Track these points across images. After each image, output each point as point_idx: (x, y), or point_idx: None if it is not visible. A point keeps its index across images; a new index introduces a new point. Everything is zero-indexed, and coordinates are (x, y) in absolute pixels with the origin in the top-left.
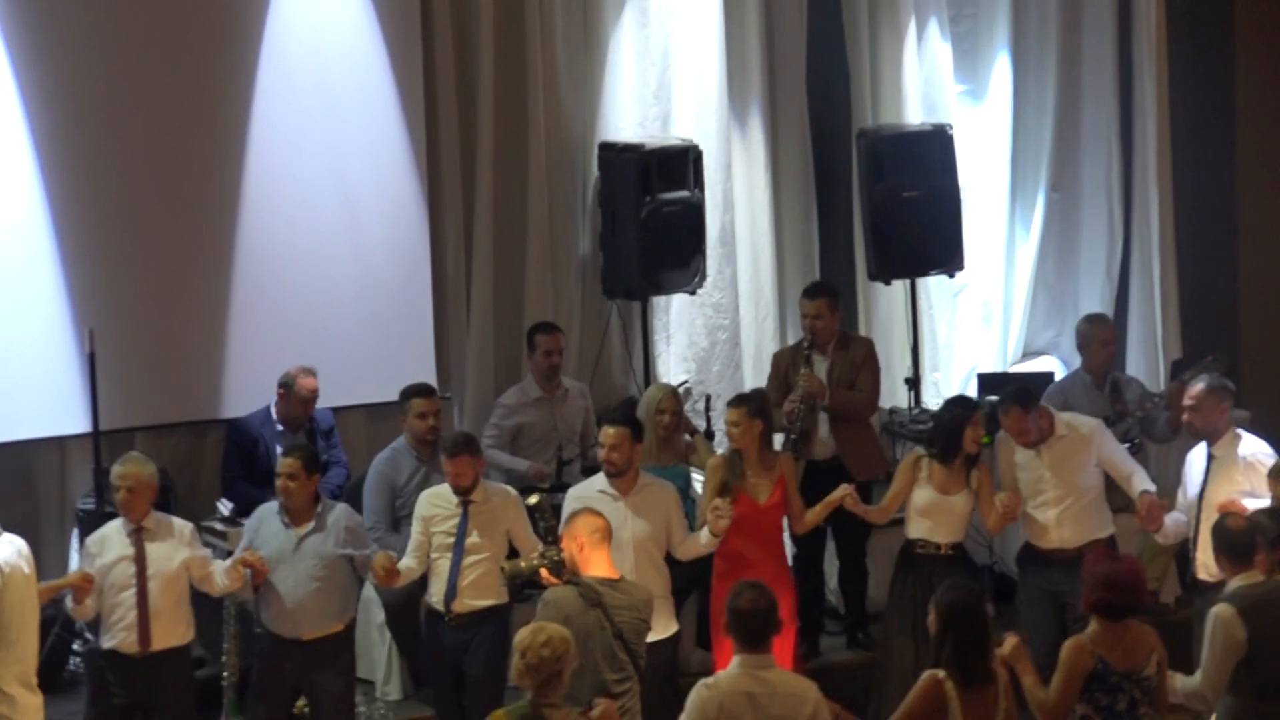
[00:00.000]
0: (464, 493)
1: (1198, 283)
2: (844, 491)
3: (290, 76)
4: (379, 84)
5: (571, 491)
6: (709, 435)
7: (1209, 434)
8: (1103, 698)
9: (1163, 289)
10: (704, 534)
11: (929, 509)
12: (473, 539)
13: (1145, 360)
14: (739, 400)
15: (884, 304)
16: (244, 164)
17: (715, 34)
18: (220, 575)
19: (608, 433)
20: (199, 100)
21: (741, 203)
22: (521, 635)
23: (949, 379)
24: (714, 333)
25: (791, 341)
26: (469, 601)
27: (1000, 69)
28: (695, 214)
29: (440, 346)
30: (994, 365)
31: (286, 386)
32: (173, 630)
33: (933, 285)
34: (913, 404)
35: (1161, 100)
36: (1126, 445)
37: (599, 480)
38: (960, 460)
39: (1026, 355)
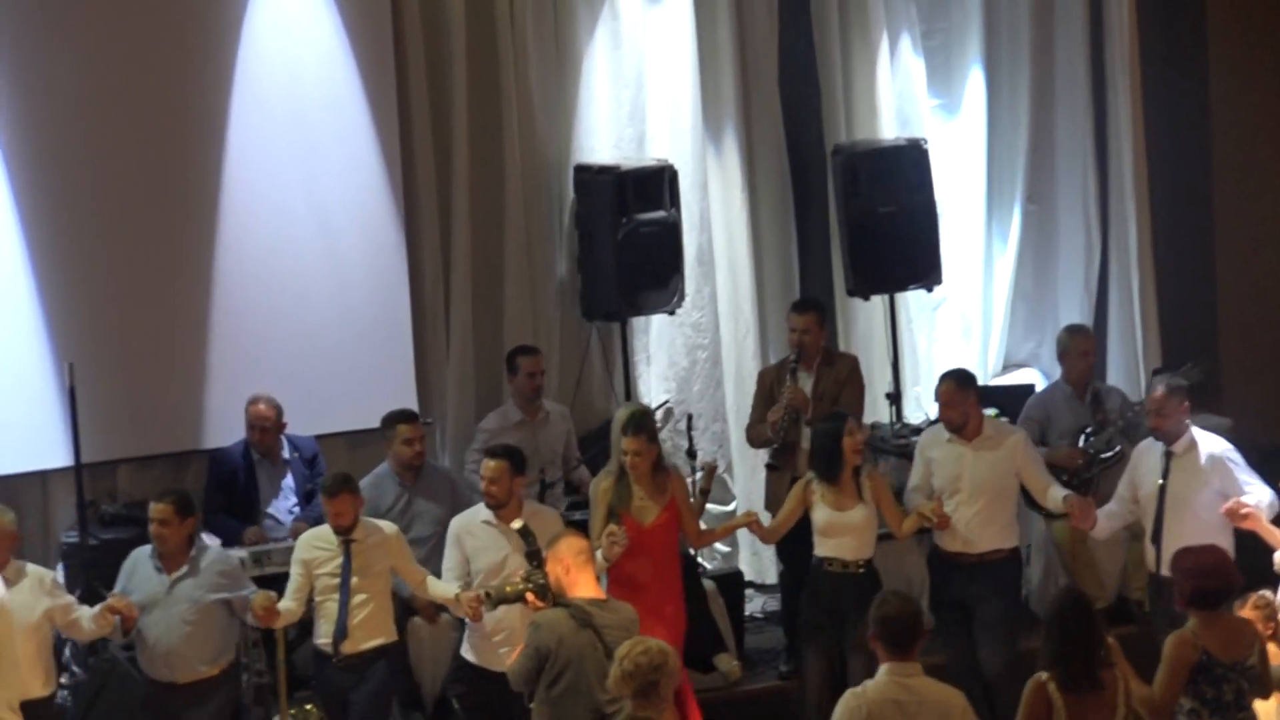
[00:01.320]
0: (345, 532)
1: (1176, 291)
2: (748, 518)
3: (264, 105)
4: (353, 111)
5: (454, 522)
6: (691, 454)
7: (1172, 435)
8: (1209, 689)
9: (1141, 298)
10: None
11: (828, 528)
12: (357, 579)
13: (1125, 369)
14: (636, 428)
15: (863, 319)
16: (220, 194)
17: (688, 54)
18: (87, 621)
19: (487, 465)
20: (174, 132)
21: (718, 221)
22: (624, 645)
23: (930, 393)
24: (694, 352)
25: (772, 359)
26: (359, 643)
27: (974, 82)
28: (672, 234)
29: (420, 371)
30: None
31: (246, 413)
32: (30, 683)
33: (911, 300)
34: (894, 419)
35: (1135, 109)
36: (1109, 454)
37: (482, 511)
38: (848, 475)
39: (1007, 367)
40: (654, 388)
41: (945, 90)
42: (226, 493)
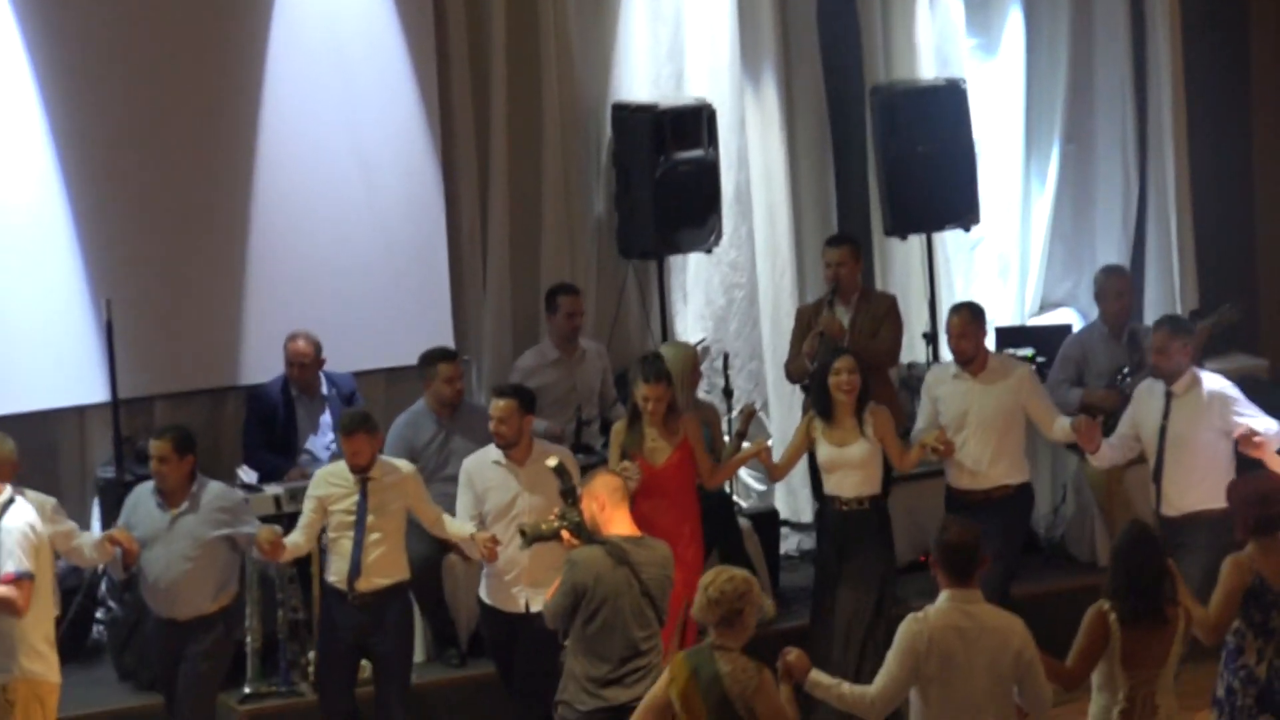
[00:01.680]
0: (361, 471)
1: (1214, 232)
2: (760, 446)
3: (303, 45)
4: (392, 50)
5: (466, 462)
6: (727, 393)
7: (1173, 374)
8: (1257, 614)
9: (1179, 238)
10: None
11: (830, 464)
12: (373, 517)
13: (1163, 310)
14: (655, 375)
15: (900, 260)
16: (258, 132)
17: None
18: (89, 548)
19: (496, 405)
20: (212, 70)
21: (756, 160)
22: (709, 574)
23: None
24: (731, 291)
25: (809, 298)
26: (374, 580)
27: (1012, 22)
28: (710, 173)
29: (457, 309)
30: (1012, 319)
31: (284, 350)
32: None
33: (949, 240)
34: (931, 359)
35: (1175, 49)
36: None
37: (493, 451)
38: (848, 410)
39: (1044, 308)
40: (690, 326)
41: (984, 30)
42: (266, 429)
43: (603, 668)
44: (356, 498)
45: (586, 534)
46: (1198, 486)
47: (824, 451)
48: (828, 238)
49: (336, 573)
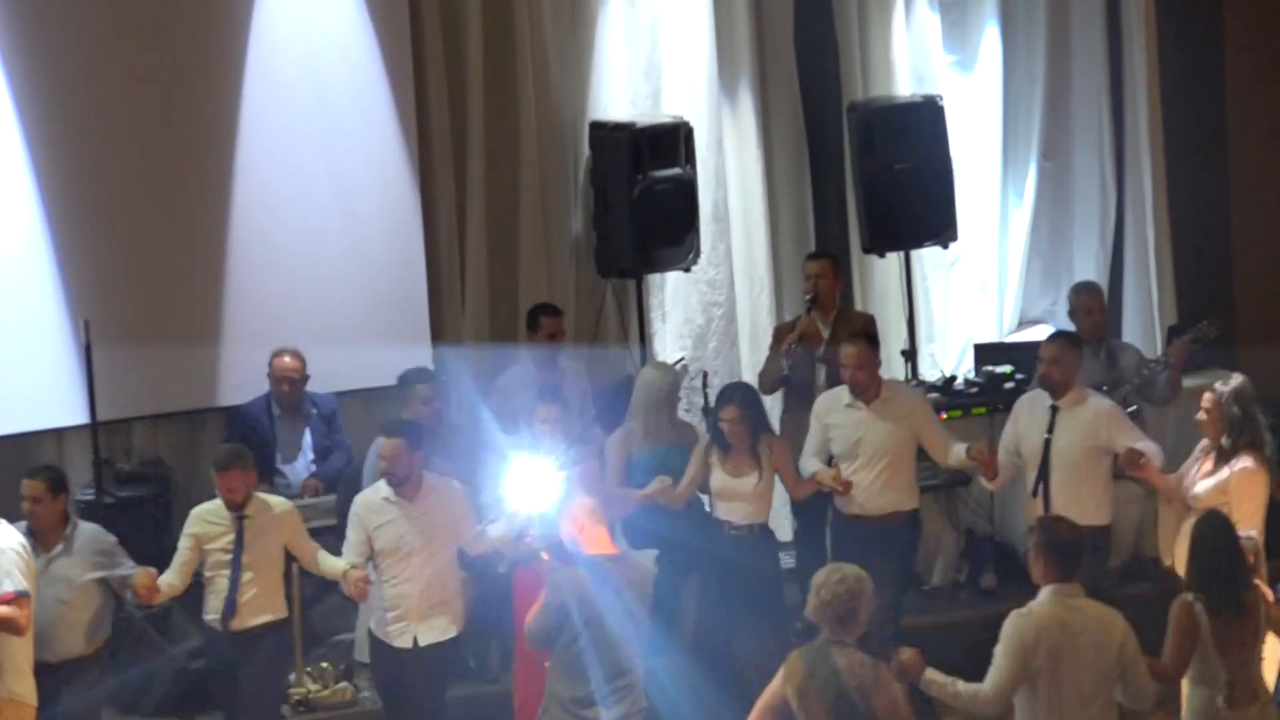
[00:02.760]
0: (237, 508)
1: (1192, 247)
2: (660, 484)
3: (278, 64)
4: (368, 68)
5: (356, 499)
6: (706, 412)
7: (1062, 387)
8: None
9: (1157, 254)
10: (499, 527)
11: (723, 493)
12: (249, 555)
13: (1141, 326)
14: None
15: (879, 277)
16: (235, 151)
17: (703, 10)
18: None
19: (386, 443)
20: (189, 92)
21: (734, 178)
22: (821, 573)
23: (945, 350)
24: (709, 309)
25: (787, 316)
26: (248, 619)
27: (989, 38)
28: (688, 191)
29: (435, 329)
30: (990, 335)
31: (269, 366)
32: None
33: (927, 257)
34: (909, 376)
35: (1151, 65)
36: (1126, 411)
37: (382, 488)
38: (745, 444)
39: (1022, 324)
40: (669, 345)
41: (961, 46)
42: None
43: (585, 687)
44: (232, 536)
45: (565, 554)
46: (1081, 502)
47: (718, 480)
48: (808, 253)
49: (213, 610)
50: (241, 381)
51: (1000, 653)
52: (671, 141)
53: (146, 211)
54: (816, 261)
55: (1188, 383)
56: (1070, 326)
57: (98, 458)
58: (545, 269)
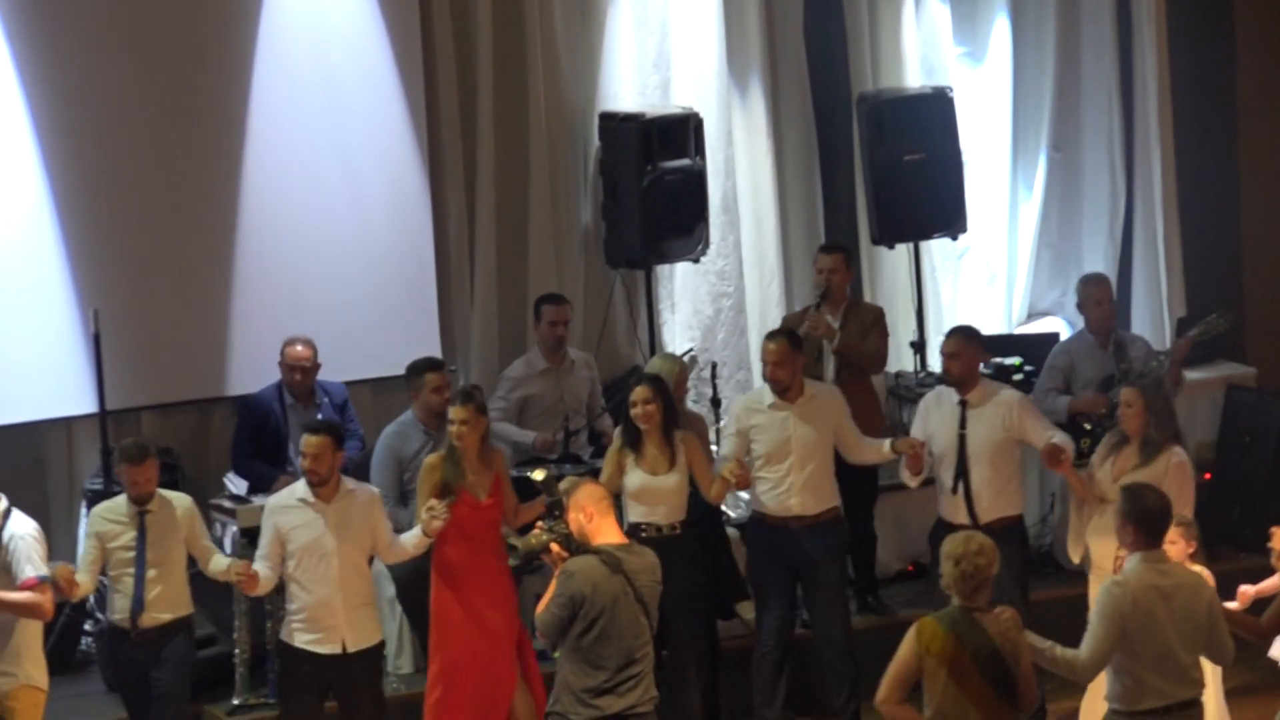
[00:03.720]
0: (141, 502)
1: (1201, 239)
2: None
3: (288, 53)
4: (377, 59)
5: (270, 501)
6: (715, 403)
7: (965, 382)
8: None
9: (1166, 246)
10: (414, 535)
11: (639, 493)
12: (152, 552)
13: (1150, 318)
14: (466, 397)
15: (888, 268)
16: (244, 141)
17: (713, 1)
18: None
19: (309, 442)
20: (199, 82)
21: (743, 169)
22: (953, 544)
23: None
24: (718, 300)
25: (796, 307)
26: (156, 615)
27: (999, 30)
28: (697, 182)
29: (444, 319)
30: (999, 327)
31: (281, 355)
32: None
33: (936, 248)
34: (918, 367)
35: (1161, 56)
36: None
37: (300, 488)
38: (655, 439)
39: (1031, 316)
40: (678, 336)
41: (971, 38)
42: (256, 437)
43: (598, 677)
44: (135, 533)
45: (575, 545)
46: (1000, 494)
47: (635, 479)
48: (821, 245)
49: (120, 610)
50: (250, 371)
51: (1096, 622)
52: (681, 132)
53: (155, 201)
54: (829, 255)
55: (1199, 375)
56: (1079, 318)
57: (106, 447)
58: (554, 259)
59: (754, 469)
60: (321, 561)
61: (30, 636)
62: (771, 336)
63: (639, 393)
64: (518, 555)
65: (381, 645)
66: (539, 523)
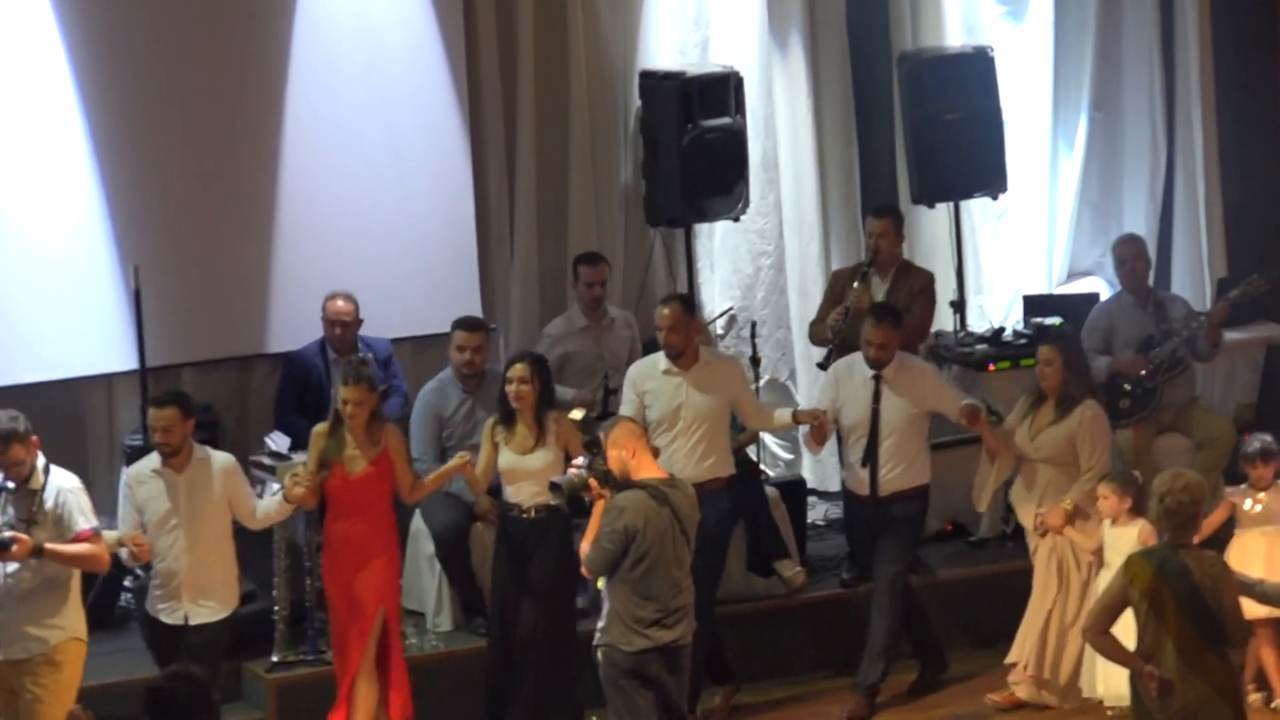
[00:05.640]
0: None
1: (1242, 199)
2: (461, 460)
3: (329, 12)
4: (418, 17)
5: (128, 471)
6: (755, 361)
7: (886, 361)
8: None
9: (1207, 206)
10: (276, 500)
11: (507, 471)
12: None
13: (1191, 278)
14: (358, 377)
15: (927, 227)
16: (286, 100)
17: None
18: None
19: (157, 415)
20: (241, 37)
21: (783, 128)
22: (1160, 481)
23: (993, 302)
24: (758, 259)
25: (835, 266)
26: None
27: None
28: (737, 140)
29: (485, 277)
30: (1039, 287)
31: (322, 310)
32: None
33: (976, 208)
34: (958, 327)
35: (1203, 15)
36: (1175, 367)
37: (154, 459)
38: (528, 419)
39: (1072, 276)
40: (717, 295)
41: None
42: (298, 393)
43: (648, 608)
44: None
45: (615, 481)
46: (910, 465)
47: (505, 458)
48: (874, 207)
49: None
50: (291, 328)
51: None
52: (721, 91)
53: (196, 157)
54: (880, 220)
55: (1239, 336)
56: (1116, 279)
57: (146, 403)
58: (594, 218)
59: (651, 434)
60: (171, 533)
61: (75, 590)
62: (665, 301)
63: (517, 370)
64: (562, 494)
65: (224, 622)
66: (576, 461)
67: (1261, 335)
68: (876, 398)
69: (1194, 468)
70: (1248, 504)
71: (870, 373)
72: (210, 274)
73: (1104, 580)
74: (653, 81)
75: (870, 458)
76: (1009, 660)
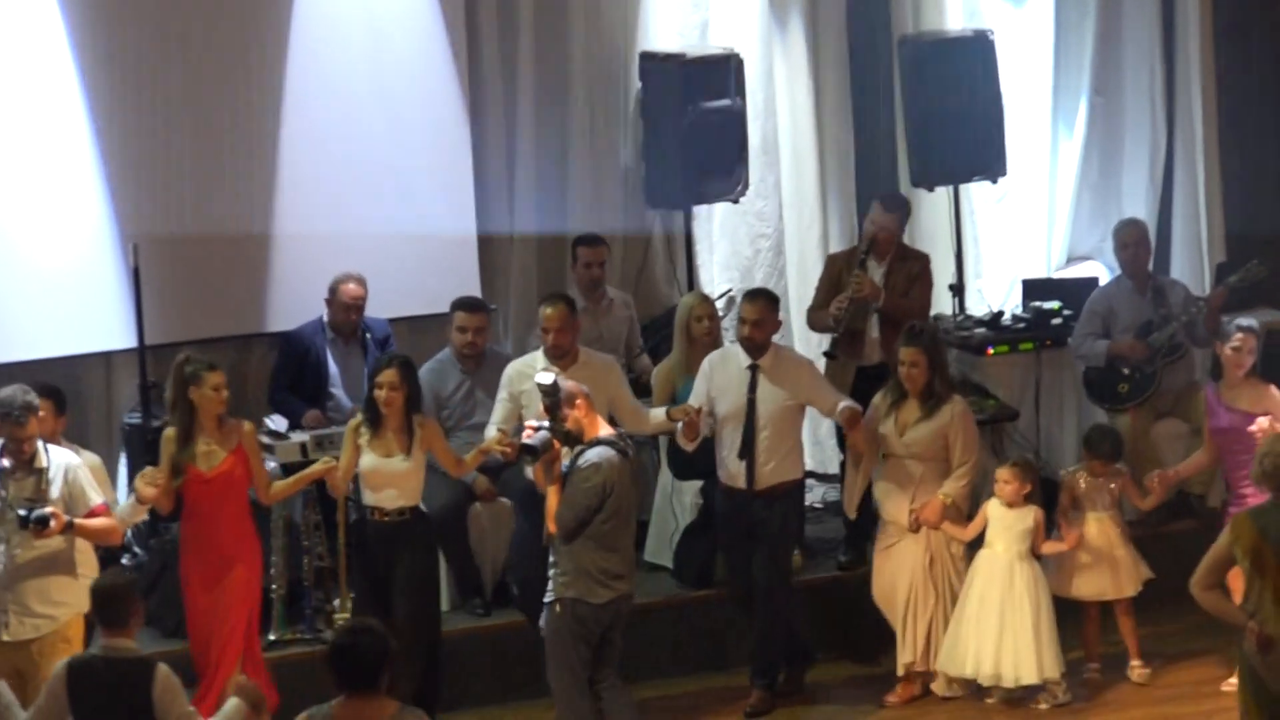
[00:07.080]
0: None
1: (1241, 185)
2: (325, 465)
3: None
4: None
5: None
6: None
7: (765, 348)
8: None
9: (1206, 192)
10: (129, 504)
11: (369, 474)
12: None
13: (1189, 263)
14: (210, 365)
15: (927, 211)
16: (285, 74)
17: None
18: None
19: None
20: (240, 12)
21: (783, 110)
22: (1264, 444)
23: (993, 286)
24: (757, 241)
25: (834, 248)
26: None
27: None
28: (737, 122)
29: (484, 258)
30: (1039, 271)
31: (332, 292)
32: None
33: (975, 192)
34: (957, 311)
35: (1204, 0)
36: (1174, 352)
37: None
38: (394, 423)
39: (1071, 260)
40: (716, 276)
41: None
42: (295, 372)
43: (612, 559)
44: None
45: (575, 438)
46: (786, 458)
47: (367, 461)
48: (882, 197)
49: None
50: (289, 307)
51: None
52: (722, 72)
53: (196, 135)
54: (889, 214)
55: (1241, 322)
56: (1115, 263)
57: (145, 381)
58: (594, 199)
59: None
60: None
61: (80, 567)
62: (549, 301)
63: (387, 376)
64: (536, 456)
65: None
66: (530, 424)
67: (1260, 322)
68: (752, 387)
69: (1192, 453)
70: None
71: (747, 362)
72: (209, 252)
73: (983, 560)
74: (653, 63)
75: (747, 449)
76: (900, 670)
